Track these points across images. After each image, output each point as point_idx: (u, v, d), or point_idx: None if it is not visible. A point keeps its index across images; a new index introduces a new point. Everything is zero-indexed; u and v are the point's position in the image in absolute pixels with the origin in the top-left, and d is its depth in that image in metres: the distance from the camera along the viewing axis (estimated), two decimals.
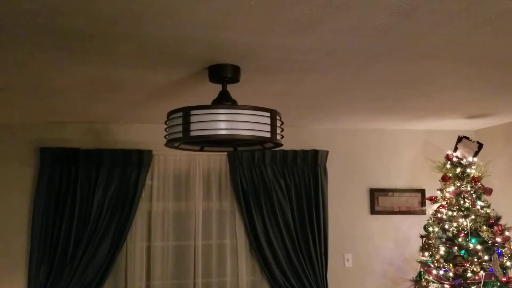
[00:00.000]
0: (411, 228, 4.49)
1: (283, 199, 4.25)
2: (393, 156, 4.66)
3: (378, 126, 4.54)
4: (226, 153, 4.22)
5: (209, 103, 2.34)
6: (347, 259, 4.48)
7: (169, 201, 4.19)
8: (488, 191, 3.93)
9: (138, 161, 4.06)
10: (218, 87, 2.43)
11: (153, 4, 1.65)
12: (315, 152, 4.36)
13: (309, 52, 2.21)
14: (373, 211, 4.56)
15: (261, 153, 4.24)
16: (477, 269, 3.62)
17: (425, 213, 4.47)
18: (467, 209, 3.82)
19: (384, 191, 4.59)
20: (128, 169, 4.05)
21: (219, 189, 4.29)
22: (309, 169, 4.34)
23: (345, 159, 4.58)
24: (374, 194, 4.58)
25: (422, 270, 3.98)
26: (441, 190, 4.04)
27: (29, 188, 4.00)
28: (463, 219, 3.80)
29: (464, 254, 3.69)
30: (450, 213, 3.88)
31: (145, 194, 4.15)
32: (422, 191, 4.61)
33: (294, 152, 4.32)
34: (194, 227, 4.20)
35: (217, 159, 4.29)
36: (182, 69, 2.47)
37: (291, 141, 4.07)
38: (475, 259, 3.65)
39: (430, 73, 2.61)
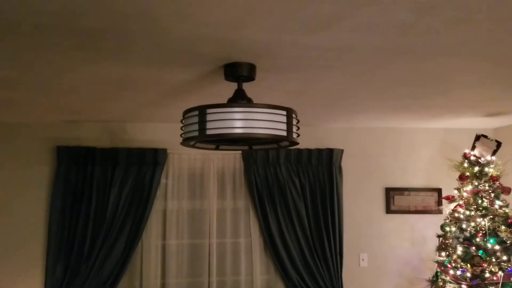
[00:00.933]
0: (427, 228, 4.44)
1: (297, 198, 4.23)
2: (409, 155, 4.61)
3: (394, 125, 4.50)
4: (240, 151, 4.22)
5: (225, 101, 2.33)
6: (363, 259, 4.45)
7: (183, 199, 4.20)
8: (507, 190, 3.86)
9: (153, 159, 4.08)
10: (233, 86, 2.42)
11: (170, 2, 1.65)
12: (330, 151, 4.33)
13: (327, 50, 2.19)
14: (388, 211, 4.52)
15: (275, 152, 4.22)
16: (495, 269, 3.57)
17: (441, 213, 4.42)
18: (485, 208, 3.76)
19: (400, 190, 4.55)
20: (143, 167, 4.07)
21: (234, 188, 4.29)
22: (324, 168, 4.31)
23: (361, 158, 4.54)
24: (390, 193, 4.53)
25: (439, 270, 3.94)
26: (458, 189, 3.99)
27: (46, 186, 4.04)
28: (481, 218, 3.74)
29: (482, 254, 3.64)
30: (467, 212, 3.82)
31: (160, 192, 4.16)
32: (439, 190, 4.56)
33: (309, 150, 4.29)
34: (208, 225, 4.20)
35: (231, 158, 4.28)
36: (197, 68, 2.46)
37: (305, 139, 4.02)
38: (493, 259, 3.60)
39: (449, 71, 2.57)
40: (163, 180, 4.17)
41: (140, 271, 4.08)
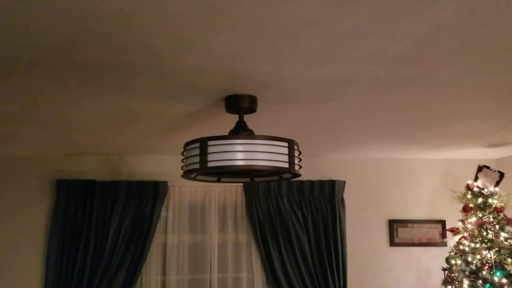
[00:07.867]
0: (432, 261, 4.37)
1: (300, 230, 4.17)
2: (412, 186, 4.58)
3: (396, 156, 4.48)
4: (241, 184, 4.18)
5: (226, 133, 2.32)
6: None
7: (184, 233, 4.14)
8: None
9: (153, 192, 4.04)
10: (234, 117, 2.42)
11: (171, 36, 1.66)
12: (332, 183, 4.30)
13: (327, 82, 2.20)
14: (392, 243, 4.45)
15: (277, 184, 4.19)
16: None
17: (446, 245, 4.35)
18: (491, 240, 3.70)
19: (404, 222, 4.49)
20: (143, 200, 4.03)
21: (235, 221, 4.24)
22: (326, 199, 4.27)
23: (363, 189, 4.50)
24: (393, 225, 4.48)
25: None
26: (462, 221, 3.94)
27: (45, 220, 4.00)
28: (487, 251, 3.68)
29: None
30: (472, 245, 3.76)
31: (160, 226, 4.11)
32: (443, 222, 4.50)
33: (311, 182, 4.26)
34: (209, 260, 4.13)
35: (233, 190, 4.25)
36: (199, 100, 2.47)
37: (307, 171, 4.02)
38: None
39: (450, 102, 2.58)
40: (163, 213, 4.13)
41: None
